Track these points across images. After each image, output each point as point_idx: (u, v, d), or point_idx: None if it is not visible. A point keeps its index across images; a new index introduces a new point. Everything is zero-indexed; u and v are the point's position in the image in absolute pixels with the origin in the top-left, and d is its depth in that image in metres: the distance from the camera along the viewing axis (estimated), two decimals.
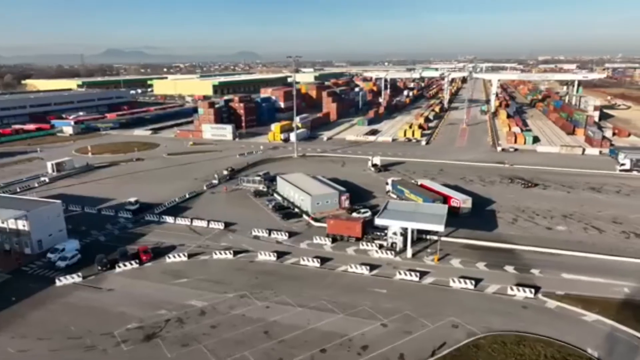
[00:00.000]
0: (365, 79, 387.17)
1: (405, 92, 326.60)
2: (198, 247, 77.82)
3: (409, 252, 73.22)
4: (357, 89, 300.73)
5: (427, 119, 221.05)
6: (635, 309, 56.77)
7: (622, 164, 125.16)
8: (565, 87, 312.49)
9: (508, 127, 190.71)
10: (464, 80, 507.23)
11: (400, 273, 66.66)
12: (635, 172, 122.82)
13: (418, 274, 66.05)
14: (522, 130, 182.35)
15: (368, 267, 68.30)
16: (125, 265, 69.94)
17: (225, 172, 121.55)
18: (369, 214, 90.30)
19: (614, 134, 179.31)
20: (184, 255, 73.08)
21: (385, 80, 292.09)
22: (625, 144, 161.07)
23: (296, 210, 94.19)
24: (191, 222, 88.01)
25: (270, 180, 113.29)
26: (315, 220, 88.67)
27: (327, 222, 79.92)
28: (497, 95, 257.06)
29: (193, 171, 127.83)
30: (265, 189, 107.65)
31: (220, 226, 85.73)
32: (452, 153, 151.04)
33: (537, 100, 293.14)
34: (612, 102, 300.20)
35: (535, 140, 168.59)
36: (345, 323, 55.18)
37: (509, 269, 68.77)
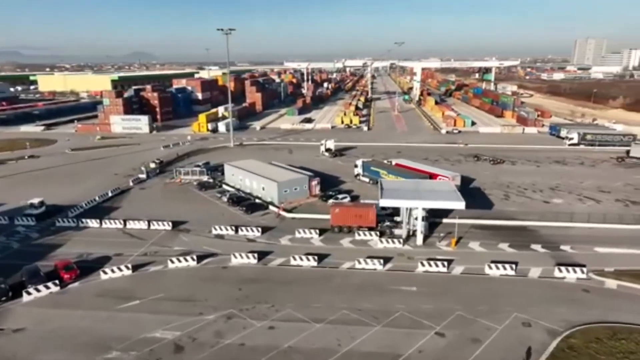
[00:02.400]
0: (279, 73, 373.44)
1: (325, 85, 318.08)
2: (143, 255, 57.23)
3: (420, 238, 59.98)
4: (277, 81, 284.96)
5: (357, 108, 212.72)
6: None
7: (571, 139, 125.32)
8: (478, 75, 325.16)
9: (442, 113, 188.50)
10: (372, 76, 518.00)
11: (422, 264, 53.04)
12: (582, 146, 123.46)
13: (445, 263, 52.97)
14: (457, 115, 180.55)
15: (381, 261, 53.71)
16: (38, 290, 47.64)
17: (153, 165, 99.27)
18: (347, 199, 75.98)
19: (537, 115, 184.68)
20: (127, 267, 52.39)
21: (308, 73, 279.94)
22: (551, 123, 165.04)
23: (257, 201, 76.60)
24: (124, 224, 66.36)
25: (212, 170, 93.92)
26: (287, 210, 72.00)
27: (331, 211, 64.05)
28: (420, 83, 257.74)
29: (110, 166, 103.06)
30: (211, 180, 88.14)
31: (167, 226, 65.45)
32: (398, 137, 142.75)
33: (453, 90, 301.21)
34: (516, 91, 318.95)
35: (473, 123, 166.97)
36: (388, 338, 40.00)
37: (537, 247, 58.73)
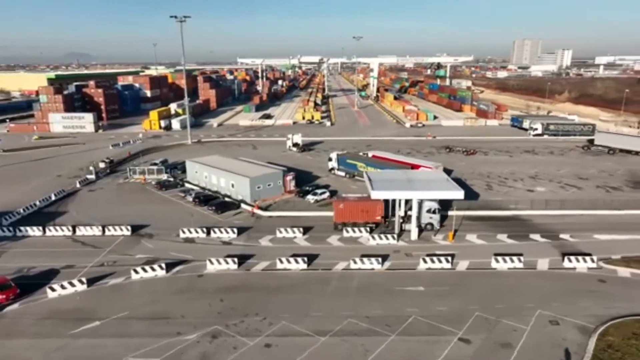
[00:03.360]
0: (231, 72, 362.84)
1: (280, 82, 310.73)
2: (99, 265, 48.39)
3: (414, 233, 54.93)
4: (231, 78, 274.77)
5: (316, 104, 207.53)
6: None
7: (535, 129, 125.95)
8: (430, 71, 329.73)
9: (402, 108, 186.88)
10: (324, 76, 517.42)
11: (424, 261, 47.91)
12: (546, 136, 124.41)
13: (449, 258, 48.12)
14: (418, 109, 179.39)
15: (379, 260, 48.05)
16: None
17: (103, 165, 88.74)
18: (327, 194, 70.09)
19: (495, 109, 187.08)
20: (80, 281, 43.56)
21: (262, 69, 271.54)
22: (509, 115, 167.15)
23: (226, 199, 69.02)
24: (74, 230, 56.78)
25: (171, 168, 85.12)
26: (261, 208, 64.96)
27: (335, 206, 57.77)
28: (377, 79, 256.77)
29: (51, 168, 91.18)
30: (172, 179, 79.33)
31: (126, 231, 56.58)
32: (363, 131, 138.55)
33: (407, 86, 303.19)
34: (470, 87, 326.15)
35: (435, 117, 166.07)
36: (407, 348, 34.29)
37: (537, 237, 55.38)
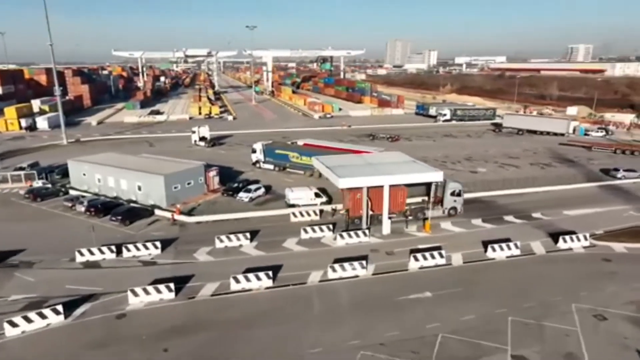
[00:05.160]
0: (102, 68, 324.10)
1: (163, 79, 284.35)
2: None
3: (387, 226, 45.83)
4: (106, 72, 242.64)
5: (209, 99, 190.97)
6: None
7: (444, 115, 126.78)
8: (317, 65, 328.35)
9: (304, 101, 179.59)
10: (208, 74, 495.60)
11: (415, 259, 38.97)
12: (454, 121, 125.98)
13: (442, 252, 39.91)
14: (321, 102, 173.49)
15: (363, 263, 37.90)
16: None
17: None
18: (262, 190, 58.12)
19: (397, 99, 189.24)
20: None
21: (142, 64, 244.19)
22: (407, 105, 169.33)
23: (132, 205, 53.14)
24: None
25: (47, 173, 65.47)
26: (184, 213, 50.70)
27: (350, 197, 45.65)
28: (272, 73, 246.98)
29: None
30: (49, 186, 60.13)
31: None
32: (272, 124, 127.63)
33: (299, 82, 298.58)
34: (365, 80, 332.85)
35: (339, 108, 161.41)
36: None
37: (511, 219, 50.36)
